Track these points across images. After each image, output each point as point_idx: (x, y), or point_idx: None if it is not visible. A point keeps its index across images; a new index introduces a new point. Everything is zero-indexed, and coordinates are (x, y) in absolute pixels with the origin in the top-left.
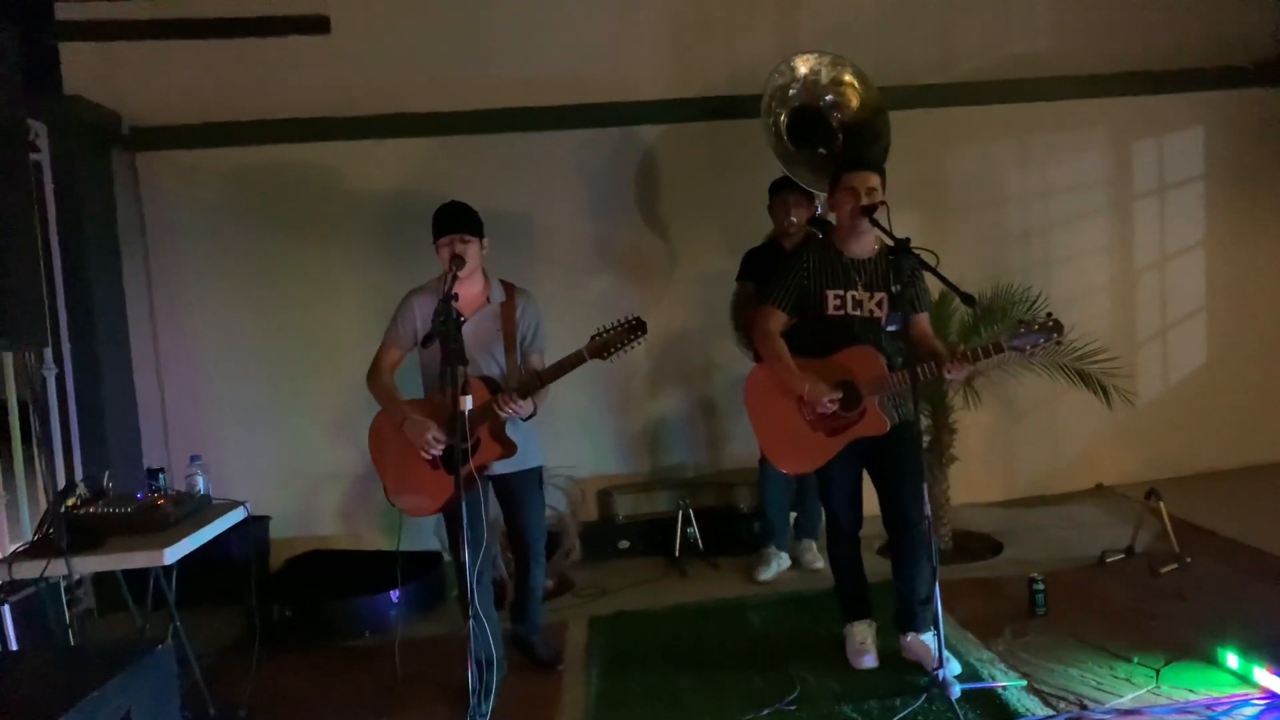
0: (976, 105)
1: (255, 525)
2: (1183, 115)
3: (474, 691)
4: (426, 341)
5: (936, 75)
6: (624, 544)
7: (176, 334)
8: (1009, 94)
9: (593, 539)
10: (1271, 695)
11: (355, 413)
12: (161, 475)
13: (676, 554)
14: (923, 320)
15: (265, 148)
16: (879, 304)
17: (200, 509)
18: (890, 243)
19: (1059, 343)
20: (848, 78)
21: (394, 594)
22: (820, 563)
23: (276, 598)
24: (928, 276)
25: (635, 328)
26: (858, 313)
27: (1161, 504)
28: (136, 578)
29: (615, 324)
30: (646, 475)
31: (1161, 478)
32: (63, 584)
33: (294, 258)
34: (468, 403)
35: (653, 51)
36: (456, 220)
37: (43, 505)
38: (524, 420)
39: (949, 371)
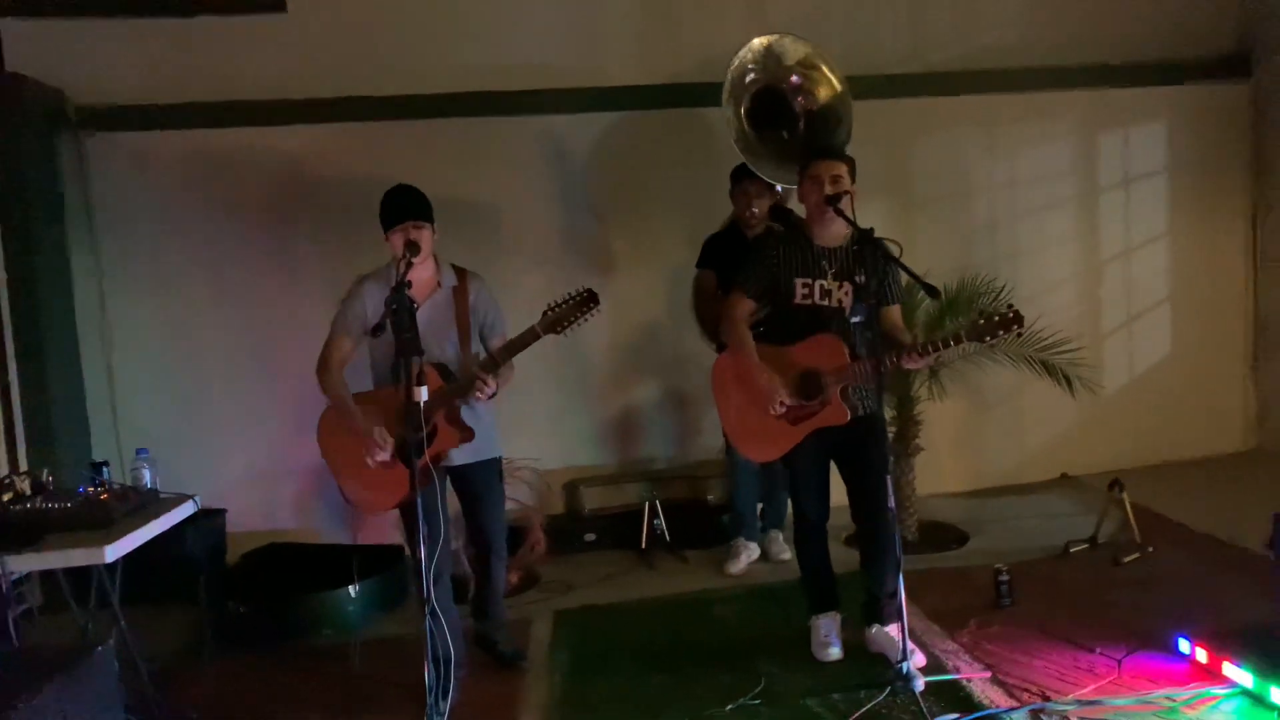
0: (945, 96)
1: (211, 519)
2: (1146, 108)
3: (431, 690)
4: (376, 331)
5: (905, 65)
6: (590, 537)
7: (127, 324)
8: (977, 85)
9: (558, 532)
10: None
11: (315, 404)
12: (105, 469)
13: (644, 547)
14: (893, 312)
15: (220, 131)
16: (848, 293)
17: (147, 504)
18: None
19: (1019, 334)
20: (814, 60)
21: (353, 589)
22: (788, 553)
23: (233, 594)
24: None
25: (587, 299)
26: (826, 302)
27: (1124, 494)
28: (83, 575)
29: (566, 297)
30: (614, 467)
31: (1126, 467)
32: (4, 583)
33: (251, 245)
34: (423, 394)
35: (620, 37)
36: (412, 207)
37: None
38: (488, 398)
39: (906, 363)
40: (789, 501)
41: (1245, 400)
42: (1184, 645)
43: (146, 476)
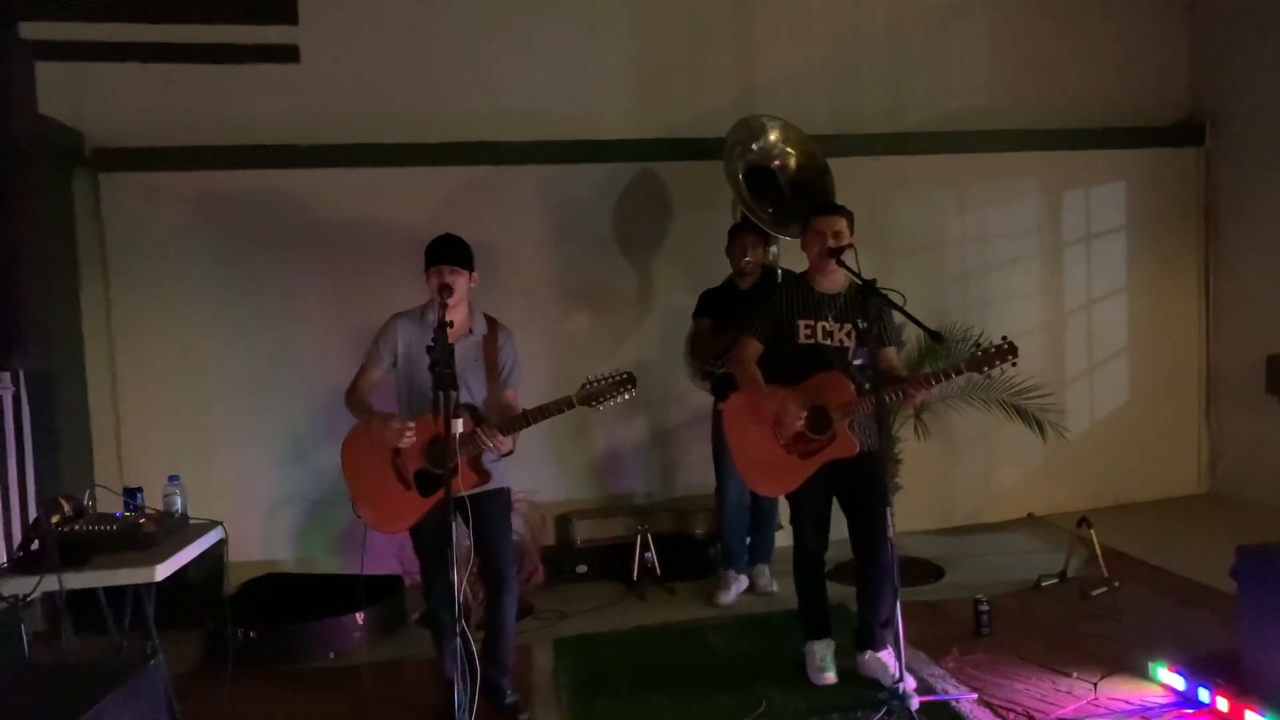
0: (920, 155)
1: (212, 547)
2: (1106, 170)
3: (460, 707)
4: (434, 365)
5: (883, 125)
6: (582, 568)
7: (134, 356)
8: (950, 145)
9: (551, 563)
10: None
11: (312, 437)
12: (139, 494)
13: (635, 578)
14: (890, 353)
15: (231, 173)
16: (848, 334)
17: (180, 528)
18: (859, 281)
19: (1014, 364)
20: (792, 149)
21: (359, 616)
22: (774, 586)
23: (238, 620)
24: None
25: (625, 382)
26: (828, 342)
27: (1092, 532)
28: (92, 600)
29: (606, 376)
30: (603, 501)
31: (1087, 508)
32: (20, 603)
33: (256, 283)
34: (459, 426)
35: (618, 92)
36: (446, 252)
37: None
38: (502, 456)
39: (914, 392)
40: (775, 537)
41: (1199, 446)
42: (1162, 674)
43: (178, 502)
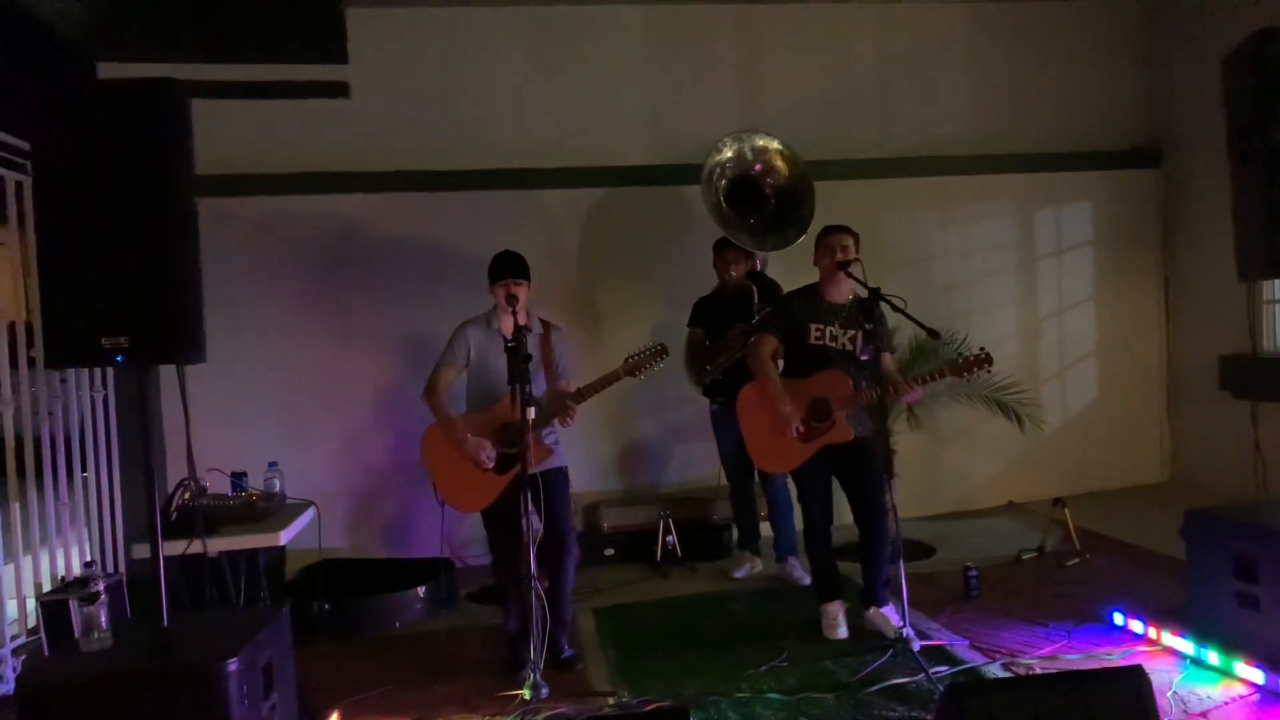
0: (907, 177)
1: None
2: (1076, 191)
3: (536, 649)
4: (526, 360)
5: (874, 151)
6: (609, 551)
7: (201, 365)
8: (933, 169)
9: (580, 547)
10: (1257, 688)
11: (362, 438)
12: (244, 477)
13: (658, 559)
14: (887, 358)
15: (289, 198)
16: (851, 339)
17: (281, 506)
18: (864, 293)
19: (989, 371)
20: (773, 146)
21: (420, 590)
22: (806, 580)
23: (305, 597)
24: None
25: (660, 352)
26: (834, 344)
27: (1066, 510)
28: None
29: (644, 349)
30: (625, 492)
31: (1061, 495)
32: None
33: (312, 297)
34: (531, 413)
35: (635, 124)
36: (512, 268)
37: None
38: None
39: (904, 395)
40: (795, 529)
41: (1160, 440)
42: (1117, 617)
43: (277, 484)
